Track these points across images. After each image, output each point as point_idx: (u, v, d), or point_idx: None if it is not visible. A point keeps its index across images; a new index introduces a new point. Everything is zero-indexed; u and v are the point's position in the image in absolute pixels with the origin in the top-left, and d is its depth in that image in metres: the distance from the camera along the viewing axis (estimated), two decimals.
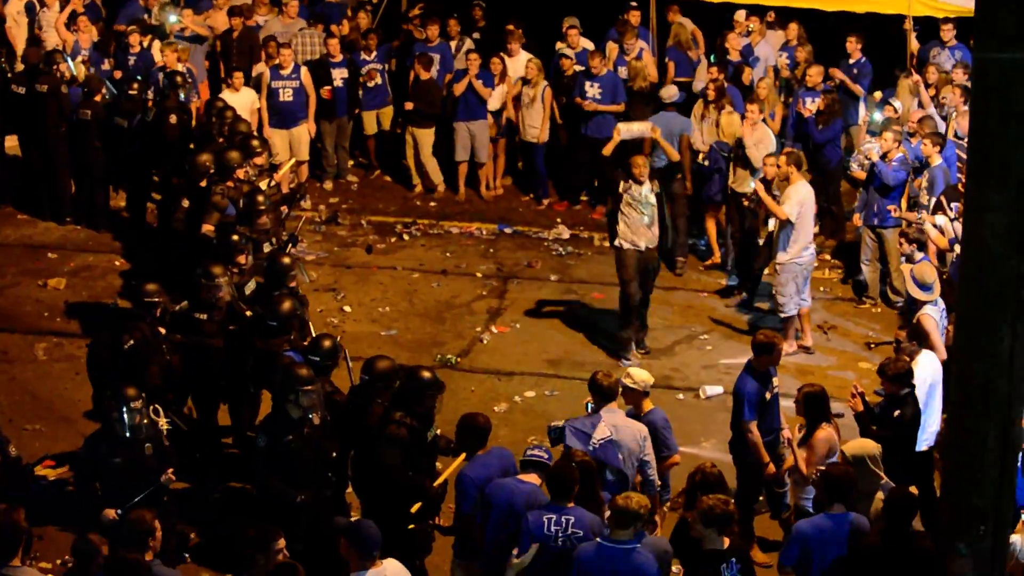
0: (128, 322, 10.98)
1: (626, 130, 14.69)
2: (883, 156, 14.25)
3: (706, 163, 15.58)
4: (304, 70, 17.10)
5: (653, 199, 13.20)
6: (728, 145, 15.29)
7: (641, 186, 13.14)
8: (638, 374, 9.98)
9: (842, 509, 8.51)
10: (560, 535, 8.33)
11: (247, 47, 17.87)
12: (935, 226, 13.17)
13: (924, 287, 11.38)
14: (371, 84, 17.63)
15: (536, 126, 17.34)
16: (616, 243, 13.38)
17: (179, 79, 15.78)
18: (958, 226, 12.36)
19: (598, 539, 8.16)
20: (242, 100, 16.44)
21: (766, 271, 14.53)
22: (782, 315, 13.70)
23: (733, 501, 8.36)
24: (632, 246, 13.24)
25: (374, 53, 17.85)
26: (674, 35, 18.53)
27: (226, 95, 16.40)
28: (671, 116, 15.72)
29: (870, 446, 9.18)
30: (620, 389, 9.77)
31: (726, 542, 8.15)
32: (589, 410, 9.70)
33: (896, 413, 9.86)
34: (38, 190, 16.65)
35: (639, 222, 13.16)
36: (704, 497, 8.27)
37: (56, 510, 10.65)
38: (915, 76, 16.25)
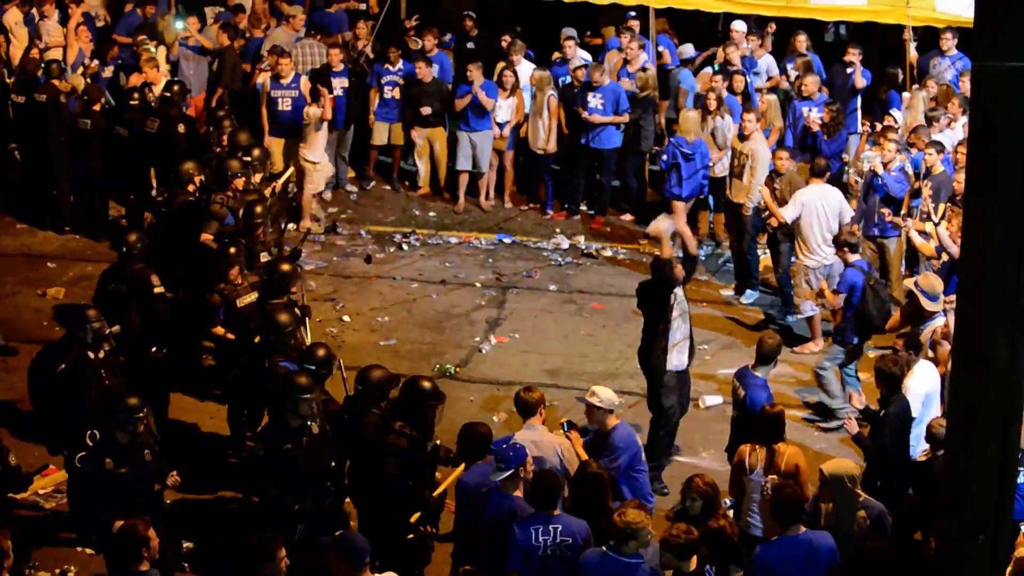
0: (63, 346, 10.90)
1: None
2: (884, 166, 14.27)
3: (664, 157, 15.86)
4: (304, 80, 17.08)
5: (686, 303, 11.69)
6: (686, 140, 15.56)
7: (681, 288, 11.62)
8: (602, 392, 9.91)
9: (798, 529, 8.50)
10: (549, 544, 8.36)
11: (231, 64, 17.81)
12: (923, 233, 13.26)
13: (932, 297, 11.35)
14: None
15: (543, 136, 17.36)
16: (670, 366, 11.50)
17: (176, 88, 15.79)
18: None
19: (604, 549, 8.16)
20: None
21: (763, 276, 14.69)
22: (800, 316, 14.02)
23: (694, 529, 8.27)
24: (679, 365, 11.55)
25: (398, 65, 17.85)
26: (660, 28, 18.79)
27: (312, 110, 16.51)
28: (687, 72, 16.98)
29: (849, 466, 9.15)
30: (543, 406, 9.73)
31: (694, 561, 8.14)
32: (565, 429, 9.74)
33: (882, 413, 9.98)
34: (37, 199, 16.66)
35: (684, 333, 11.52)
36: (669, 531, 8.22)
37: (55, 521, 10.66)
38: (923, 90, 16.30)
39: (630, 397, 12.84)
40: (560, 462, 9.45)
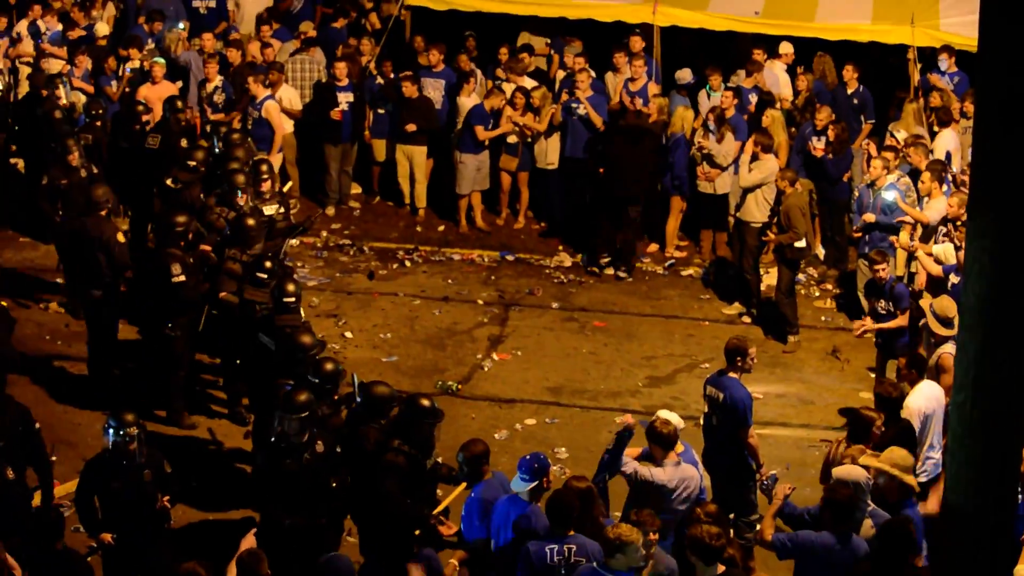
0: None
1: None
2: (871, 184, 14.28)
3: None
4: (269, 103, 16.79)
5: None
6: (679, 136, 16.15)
7: None
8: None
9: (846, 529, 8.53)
10: (563, 565, 8.30)
11: (240, 83, 17.83)
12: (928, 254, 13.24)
13: (945, 322, 11.25)
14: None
15: (548, 153, 17.33)
16: None
17: (179, 103, 15.83)
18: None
19: (595, 564, 8.13)
20: None
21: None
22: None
23: (721, 534, 8.27)
24: None
25: (390, 77, 17.81)
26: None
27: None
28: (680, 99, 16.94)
29: (859, 473, 9.15)
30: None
31: (720, 568, 8.12)
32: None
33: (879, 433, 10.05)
34: (39, 213, 16.64)
35: None
36: (694, 527, 8.23)
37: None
38: (920, 102, 16.31)
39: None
40: (702, 492, 9.58)
